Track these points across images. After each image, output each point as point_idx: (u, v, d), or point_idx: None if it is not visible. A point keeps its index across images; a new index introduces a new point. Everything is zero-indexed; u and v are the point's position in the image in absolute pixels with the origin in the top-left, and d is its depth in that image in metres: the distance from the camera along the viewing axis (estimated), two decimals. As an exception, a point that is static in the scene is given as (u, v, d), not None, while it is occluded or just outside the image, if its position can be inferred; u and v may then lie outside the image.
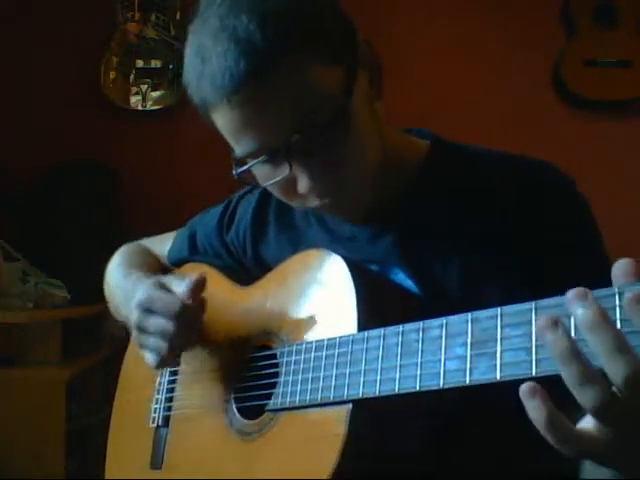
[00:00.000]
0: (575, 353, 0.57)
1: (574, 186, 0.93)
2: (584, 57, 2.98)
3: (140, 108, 2.99)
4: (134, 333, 1.01)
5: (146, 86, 2.98)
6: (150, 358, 0.99)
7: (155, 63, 2.97)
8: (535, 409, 0.59)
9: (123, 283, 1.15)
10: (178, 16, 2.99)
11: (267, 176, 0.88)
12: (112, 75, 2.98)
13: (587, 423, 0.62)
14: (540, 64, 3.04)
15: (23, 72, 3.03)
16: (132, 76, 2.98)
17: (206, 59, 0.83)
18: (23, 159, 2.90)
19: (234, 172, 0.91)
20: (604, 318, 0.57)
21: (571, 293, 0.58)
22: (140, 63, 2.98)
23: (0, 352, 2.33)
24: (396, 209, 0.95)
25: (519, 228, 0.89)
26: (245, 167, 0.87)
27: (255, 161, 0.86)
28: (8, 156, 2.86)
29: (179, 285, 0.99)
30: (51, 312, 2.45)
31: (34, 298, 2.43)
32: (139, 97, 2.99)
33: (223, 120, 0.85)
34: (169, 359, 1.00)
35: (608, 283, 0.59)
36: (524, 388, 0.59)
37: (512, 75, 3.04)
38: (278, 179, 0.86)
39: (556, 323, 0.58)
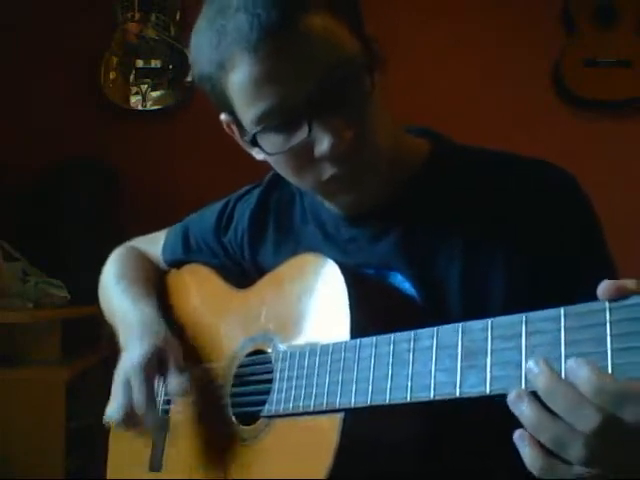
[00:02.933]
0: (545, 421, 0.57)
1: (577, 185, 0.92)
2: (584, 57, 2.97)
3: (140, 108, 2.99)
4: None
5: (146, 86, 2.98)
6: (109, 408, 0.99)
7: (155, 63, 2.97)
8: (528, 455, 0.58)
9: (120, 300, 1.16)
10: (178, 16, 2.99)
11: (281, 143, 0.86)
12: (112, 75, 2.97)
13: None
14: (540, 64, 3.04)
15: (23, 72, 3.03)
16: (132, 76, 2.98)
17: (230, 15, 0.81)
18: (23, 159, 2.90)
19: (246, 137, 0.89)
20: (556, 381, 0.56)
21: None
22: (140, 63, 2.98)
23: (0, 352, 2.33)
24: (397, 210, 0.95)
25: (521, 228, 0.89)
26: (260, 127, 0.85)
27: (271, 122, 0.83)
28: (8, 156, 2.85)
29: (174, 377, 0.98)
30: (51, 312, 2.44)
31: (34, 298, 2.42)
32: (139, 97, 2.98)
33: (244, 75, 0.82)
34: (118, 422, 0.99)
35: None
36: (516, 435, 0.59)
37: (512, 75, 3.04)
38: (295, 143, 0.84)
39: (520, 396, 0.58)
